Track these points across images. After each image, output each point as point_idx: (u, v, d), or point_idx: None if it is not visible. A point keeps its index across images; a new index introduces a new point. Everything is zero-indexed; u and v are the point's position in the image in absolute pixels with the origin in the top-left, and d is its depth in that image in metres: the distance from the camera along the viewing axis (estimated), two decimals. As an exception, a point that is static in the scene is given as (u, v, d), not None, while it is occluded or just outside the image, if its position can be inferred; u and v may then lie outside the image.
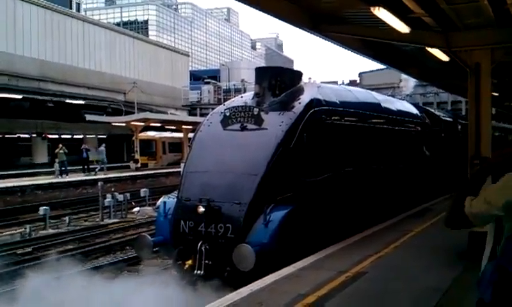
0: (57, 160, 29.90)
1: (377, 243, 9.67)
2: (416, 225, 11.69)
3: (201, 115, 45.37)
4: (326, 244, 9.25)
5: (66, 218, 18.79)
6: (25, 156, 44.35)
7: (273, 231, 8.36)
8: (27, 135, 43.41)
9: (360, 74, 52.42)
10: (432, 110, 20.97)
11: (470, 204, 2.48)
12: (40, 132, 43.04)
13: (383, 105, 14.13)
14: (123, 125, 37.66)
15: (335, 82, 50.15)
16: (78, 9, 59.95)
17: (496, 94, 17.21)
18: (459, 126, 21.10)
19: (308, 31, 10.58)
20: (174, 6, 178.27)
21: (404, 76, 39.96)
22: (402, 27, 9.22)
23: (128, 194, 20.87)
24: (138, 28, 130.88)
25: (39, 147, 44.59)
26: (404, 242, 9.99)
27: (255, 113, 9.65)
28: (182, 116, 50.14)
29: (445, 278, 7.21)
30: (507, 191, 2.33)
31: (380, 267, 8.02)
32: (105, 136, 47.38)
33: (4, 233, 16.45)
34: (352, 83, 50.41)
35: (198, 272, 8.59)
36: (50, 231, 17.04)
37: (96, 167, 33.19)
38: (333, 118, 10.63)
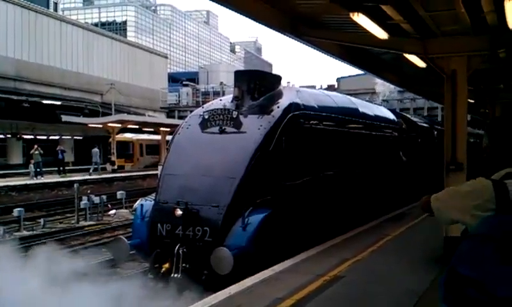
0: (32, 161, 29.55)
1: (355, 247, 9.73)
2: (394, 229, 11.80)
3: (180, 117, 45.17)
4: (304, 247, 9.28)
5: (41, 220, 18.54)
6: (-1, 157, 43.65)
7: (251, 234, 8.37)
8: (1, 136, 42.70)
9: (338, 79, 52.69)
10: (409, 116, 21.22)
11: (436, 200, 2.48)
12: (15, 132, 42.35)
13: (361, 110, 14.25)
14: (100, 126, 37.30)
15: (313, 87, 50.39)
16: (55, 9, 59.17)
17: (472, 101, 17.44)
18: (435, 132, 21.37)
19: (287, 35, 10.59)
20: (153, 8, 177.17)
21: (381, 81, 40.35)
22: (381, 34, 9.29)
23: (104, 196, 20.69)
24: (116, 29, 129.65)
25: (14, 148, 43.87)
26: (381, 245, 10.07)
27: (234, 116, 9.66)
28: (160, 118, 49.84)
29: (422, 281, 7.27)
30: (473, 201, 2.31)
31: (357, 271, 8.07)
32: (81, 137, 46.84)
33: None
34: (330, 88, 50.66)
35: (175, 275, 8.55)
36: (25, 233, 16.80)
37: (91, 168, 33.67)
38: (311, 122, 10.69)
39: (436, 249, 8.74)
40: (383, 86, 42.00)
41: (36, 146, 29.79)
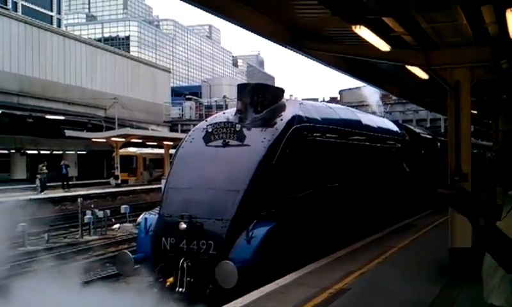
0: (38, 176, 29.79)
1: (360, 259, 9.69)
2: (398, 241, 11.76)
3: (183, 131, 45.24)
4: (309, 260, 9.24)
5: (45, 235, 18.51)
6: (3, 172, 43.69)
7: (256, 247, 8.34)
8: (5, 151, 42.82)
9: (340, 91, 52.71)
10: (412, 128, 21.21)
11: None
12: (19, 147, 42.46)
13: (364, 122, 14.26)
14: (104, 141, 37.39)
15: (316, 99, 50.43)
16: (59, 25, 59.59)
17: (475, 112, 17.43)
18: (439, 144, 21.34)
19: (289, 48, 10.62)
20: (156, 23, 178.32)
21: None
22: (383, 46, 9.31)
23: (108, 211, 20.69)
24: (119, 44, 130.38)
25: (17, 163, 43.97)
26: (387, 257, 10.03)
27: (237, 129, 9.67)
28: (163, 132, 49.91)
29: (428, 294, 7.24)
30: None
31: (363, 283, 8.03)
32: (84, 152, 46.92)
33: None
34: (332, 100, 50.70)
35: (180, 289, 8.51)
36: (29, 248, 16.78)
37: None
38: (314, 134, 10.70)
39: (442, 261, 8.70)
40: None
41: (45, 163, 30.24)
